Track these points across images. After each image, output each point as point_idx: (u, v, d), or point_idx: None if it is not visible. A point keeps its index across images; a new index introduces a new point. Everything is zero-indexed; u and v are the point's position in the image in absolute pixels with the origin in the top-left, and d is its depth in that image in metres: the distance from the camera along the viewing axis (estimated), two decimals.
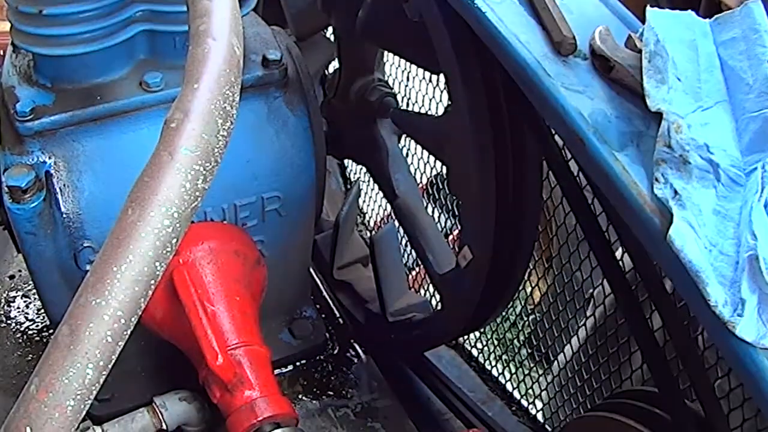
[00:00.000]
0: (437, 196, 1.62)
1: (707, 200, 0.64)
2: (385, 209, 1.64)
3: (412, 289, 1.46)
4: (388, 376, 1.41)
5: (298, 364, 1.37)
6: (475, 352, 1.47)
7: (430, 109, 1.44)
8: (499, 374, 1.43)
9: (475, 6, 0.78)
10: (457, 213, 1.50)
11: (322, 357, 1.40)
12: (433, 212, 1.55)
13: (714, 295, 0.61)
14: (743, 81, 0.67)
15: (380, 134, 1.32)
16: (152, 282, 0.55)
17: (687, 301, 0.65)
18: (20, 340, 1.40)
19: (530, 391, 1.37)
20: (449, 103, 1.00)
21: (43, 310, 1.40)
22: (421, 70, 1.41)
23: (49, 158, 1.00)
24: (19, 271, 1.51)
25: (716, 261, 0.62)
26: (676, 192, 0.64)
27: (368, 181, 1.64)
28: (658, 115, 0.67)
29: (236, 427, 0.95)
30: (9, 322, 1.43)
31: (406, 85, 1.49)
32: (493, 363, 1.44)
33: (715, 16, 0.72)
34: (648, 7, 0.71)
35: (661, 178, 0.65)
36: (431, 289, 1.40)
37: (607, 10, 0.79)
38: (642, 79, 0.69)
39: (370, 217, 1.72)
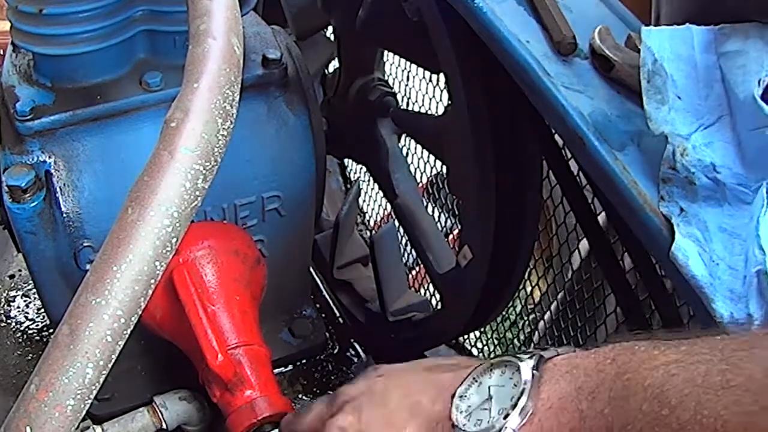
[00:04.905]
0: (437, 196, 1.62)
1: (713, 218, 0.63)
2: (385, 209, 1.64)
3: (412, 289, 1.46)
4: None
5: (298, 363, 1.37)
6: (475, 351, 1.47)
7: (430, 109, 1.44)
8: None
9: (475, 6, 0.78)
10: (457, 213, 1.50)
11: (322, 357, 1.40)
12: (433, 212, 1.55)
13: (720, 311, 0.60)
14: (738, 97, 0.67)
15: (380, 134, 1.32)
16: (152, 281, 0.55)
17: (695, 312, 0.65)
18: (20, 340, 1.40)
19: None
20: (449, 102, 1.00)
21: (43, 310, 1.40)
22: (421, 70, 1.41)
23: (49, 158, 1.00)
24: (19, 270, 1.51)
25: (723, 275, 0.61)
26: (681, 209, 0.63)
27: (368, 181, 1.64)
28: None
29: (236, 427, 0.95)
30: (9, 321, 1.43)
31: (406, 85, 1.49)
32: None
33: (720, 25, 0.71)
34: (643, 27, 0.70)
35: (667, 196, 0.65)
36: (431, 288, 1.40)
37: (607, 10, 0.79)
38: (640, 86, 0.69)
39: (370, 217, 1.72)
